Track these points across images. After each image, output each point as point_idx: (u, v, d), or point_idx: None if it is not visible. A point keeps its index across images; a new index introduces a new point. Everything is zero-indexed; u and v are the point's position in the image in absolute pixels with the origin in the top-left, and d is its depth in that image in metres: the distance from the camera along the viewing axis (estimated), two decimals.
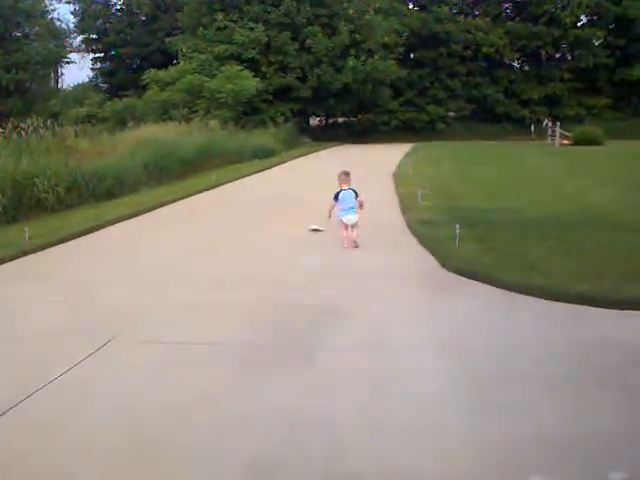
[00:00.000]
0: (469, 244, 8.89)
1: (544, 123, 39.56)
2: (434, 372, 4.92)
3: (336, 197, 9.74)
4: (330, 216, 9.94)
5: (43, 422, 4.25)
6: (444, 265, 8.16)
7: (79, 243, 10.43)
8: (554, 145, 35.30)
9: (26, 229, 9.97)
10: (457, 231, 8.89)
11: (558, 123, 36.97)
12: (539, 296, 6.75)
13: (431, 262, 8.44)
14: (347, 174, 9.91)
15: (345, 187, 9.74)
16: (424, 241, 9.48)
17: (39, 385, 4.73)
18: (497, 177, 18.27)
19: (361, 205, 9.73)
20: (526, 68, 51.17)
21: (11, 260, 8.98)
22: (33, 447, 3.93)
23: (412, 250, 9.25)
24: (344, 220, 9.63)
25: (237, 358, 5.28)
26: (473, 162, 24.23)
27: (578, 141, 34.40)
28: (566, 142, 35.06)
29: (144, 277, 8.12)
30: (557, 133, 35.98)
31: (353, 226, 9.61)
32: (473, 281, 7.46)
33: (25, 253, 9.32)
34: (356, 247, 9.51)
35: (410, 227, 10.73)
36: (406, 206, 12.68)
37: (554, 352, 5.33)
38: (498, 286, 7.16)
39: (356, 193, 9.71)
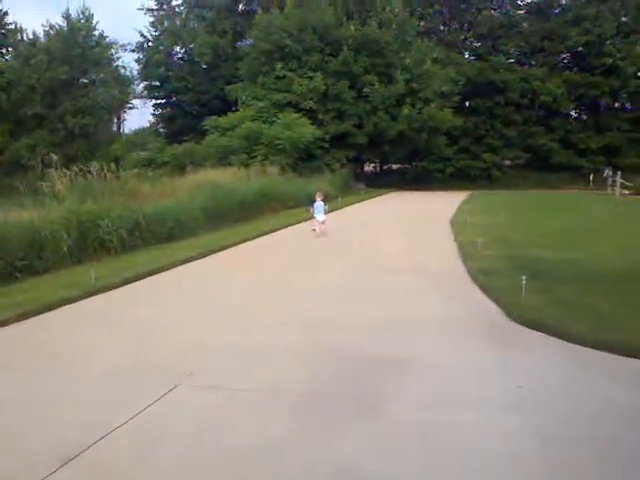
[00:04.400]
0: (534, 295, 8.69)
1: (604, 173, 38.81)
2: (503, 429, 4.77)
3: (311, 204, 17.26)
4: (310, 214, 17.29)
5: (113, 466, 4.26)
6: (510, 315, 7.99)
7: (143, 285, 10.57)
8: (614, 195, 34.57)
9: (92, 270, 10.18)
10: (523, 282, 8.69)
11: (619, 173, 36.23)
12: (610, 351, 6.54)
13: (496, 312, 8.27)
14: (321, 193, 17.72)
15: (319, 200, 17.02)
16: (487, 291, 9.31)
17: (109, 429, 4.75)
18: (558, 227, 17.94)
19: (325, 212, 17.03)
20: (583, 117, 50.61)
21: (77, 301, 9.14)
22: None
23: (476, 300, 9.09)
24: (316, 217, 16.71)
25: (300, 408, 5.22)
26: (531, 211, 23.92)
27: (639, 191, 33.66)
28: (627, 192, 34.32)
29: (207, 319, 8.16)
30: (617, 183, 35.28)
31: (322, 222, 16.51)
32: (541, 333, 7.27)
33: (91, 294, 9.49)
34: (323, 234, 16.21)
35: (472, 276, 10.56)
36: (467, 255, 12.51)
37: (626, 412, 5.13)
38: (567, 339, 6.97)
39: (325, 203, 17.24)
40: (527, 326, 7.53)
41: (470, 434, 4.68)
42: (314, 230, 16.60)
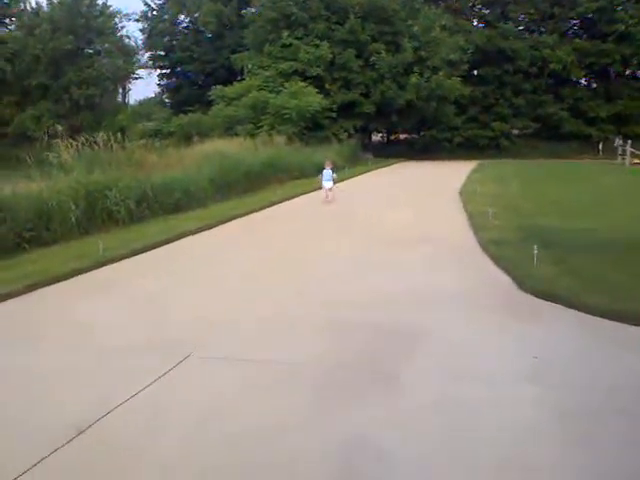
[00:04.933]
0: (546, 266, 8.61)
1: (615, 142, 38.36)
2: (520, 402, 4.72)
3: (320, 172, 17.82)
4: (319, 181, 17.80)
5: (123, 441, 4.21)
6: (522, 287, 7.91)
7: (152, 256, 10.53)
8: (624, 164, 34.26)
9: (100, 242, 10.13)
10: (535, 252, 8.61)
11: (629, 142, 35.85)
12: (625, 322, 6.47)
13: (508, 283, 8.19)
14: (330, 161, 18.39)
15: (327, 168, 17.65)
16: (499, 262, 9.23)
17: (118, 402, 4.71)
18: (568, 196, 17.79)
19: (334, 180, 17.66)
20: (593, 85, 49.94)
21: (87, 272, 9.11)
22: (113, 467, 3.89)
23: (487, 271, 9.01)
24: (324, 184, 17.45)
25: (316, 380, 5.17)
26: (541, 181, 23.72)
27: None
28: (637, 161, 33.99)
29: (218, 291, 8.12)
30: (628, 152, 34.93)
31: (329, 190, 17.28)
32: (554, 304, 7.20)
33: (100, 265, 9.45)
34: (330, 201, 17.01)
35: (483, 247, 10.47)
36: (477, 225, 12.40)
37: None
38: (581, 310, 6.89)
39: (333, 171, 17.78)
40: (540, 297, 7.45)
41: (485, 408, 4.63)
42: (327, 197, 17.39)
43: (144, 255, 10.45)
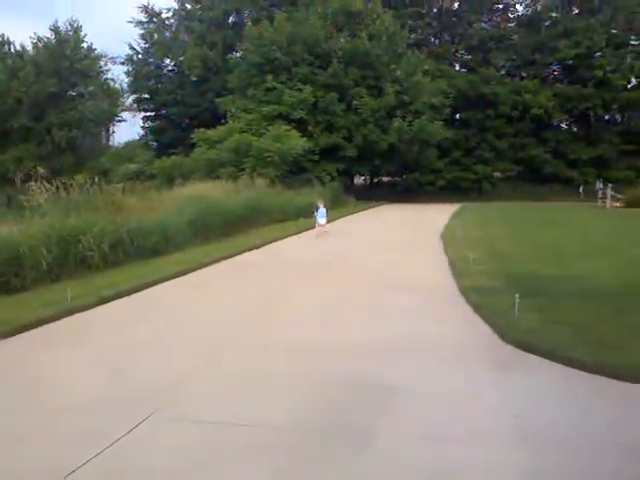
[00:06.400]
0: (530, 314, 8.34)
1: (596, 185, 38.72)
2: (505, 468, 4.40)
3: (316, 210, 20.13)
4: (315, 219, 20.10)
5: None
6: (503, 338, 7.62)
7: (121, 304, 10.13)
8: (605, 207, 34.48)
9: (69, 289, 9.76)
10: (517, 300, 8.35)
11: (610, 185, 36.17)
12: (615, 377, 6.18)
13: (489, 334, 7.91)
14: (321, 200, 20.72)
15: (321, 206, 20.01)
16: (480, 310, 8.95)
17: (76, 464, 4.37)
18: (552, 241, 17.65)
19: (326, 217, 20.13)
20: (574, 129, 50.57)
21: (52, 322, 8.72)
22: None
23: (467, 320, 8.72)
24: (318, 221, 19.79)
25: (283, 444, 4.82)
26: (524, 224, 23.64)
27: (630, 203, 33.38)
28: (618, 204, 34.21)
29: (187, 343, 7.74)
30: (608, 195, 35.22)
31: (322, 225, 19.59)
32: (537, 357, 6.91)
33: (67, 313, 9.07)
34: (325, 232, 19.46)
35: (463, 294, 10.20)
36: (457, 271, 12.16)
37: (632, 443, 4.77)
38: (567, 364, 6.60)
39: (326, 210, 20.25)
40: (523, 349, 7.16)
41: (465, 471, 4.31)
42: (325, 231, 19.70)
43: (113, 304, 10.04)
